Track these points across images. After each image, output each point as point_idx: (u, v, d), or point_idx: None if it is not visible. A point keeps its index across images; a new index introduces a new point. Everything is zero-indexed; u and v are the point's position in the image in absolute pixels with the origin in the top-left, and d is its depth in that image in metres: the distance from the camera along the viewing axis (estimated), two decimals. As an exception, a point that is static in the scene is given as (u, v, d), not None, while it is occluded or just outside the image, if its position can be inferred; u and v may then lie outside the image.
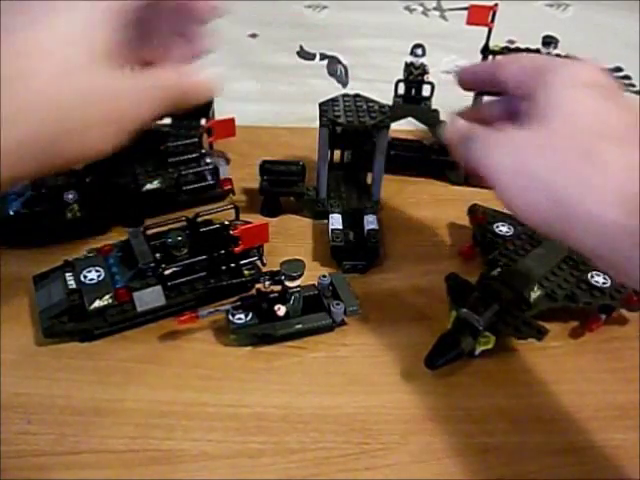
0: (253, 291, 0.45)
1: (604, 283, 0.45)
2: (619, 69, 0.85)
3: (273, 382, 0.41)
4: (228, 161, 0.59)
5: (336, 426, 0.39)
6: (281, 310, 0.43)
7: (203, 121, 0.62)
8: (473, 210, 0.55)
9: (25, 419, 0.38)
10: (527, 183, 0.31)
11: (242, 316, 0.43)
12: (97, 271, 0.45)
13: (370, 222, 0.51)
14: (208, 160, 0.55)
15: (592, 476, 0.37)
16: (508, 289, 0.43)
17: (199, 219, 0.46)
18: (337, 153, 0.56)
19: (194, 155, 0.55)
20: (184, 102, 0.38)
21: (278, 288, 0.43)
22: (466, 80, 0.41)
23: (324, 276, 0.45)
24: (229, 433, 0.38)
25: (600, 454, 0.38)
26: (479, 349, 0.42)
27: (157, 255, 0.45)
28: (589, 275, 0.46)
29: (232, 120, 0.54)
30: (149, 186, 0.52)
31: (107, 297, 0.43)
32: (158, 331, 0.44)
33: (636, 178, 0.28)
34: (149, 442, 0.37)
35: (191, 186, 0.54)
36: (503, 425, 0.39)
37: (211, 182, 0.55)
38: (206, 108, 0.61)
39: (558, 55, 0.58)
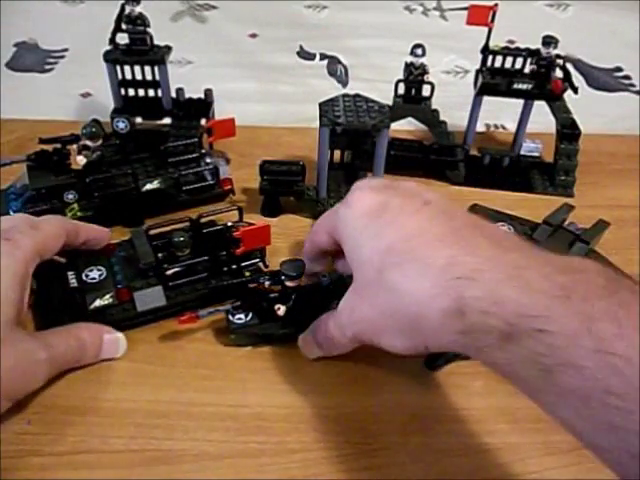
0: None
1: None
2: (619, 69, 0.85)
3: (273, 382, 0.41)
4: (228, 161, 0.59)
5: (336, 426, 0.39)
6: (281, 310, 0.43)
7: (203, 121, 0.62)
8: (473, 210, 0.55)
9: (25, 419, 0.38)
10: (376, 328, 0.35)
11: (242, 316, 0.43)
12: (99, 270, 0.45)
13: (370, 222, 0.51)
14: (208, 160, 0.55)
15: (592, 476, 0.37)
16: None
17: (202, 220, 0.46)
18: (337, 153, 0.56)
19: (194, 155, 0.55)
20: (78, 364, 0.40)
21: (278, 288, 0.43)
22: (312, 260, 0.44)
23: (324, 276, 0.45)
24: (229, 433, 0.38)
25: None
26: (479, 349, 0.42)
27: (159, 255, 0.45)
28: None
29: (232, 120, 0.54)
30: (149, 186, 0.52)
31: (108, 297, 0.43)
32: (158, 331, 0.44)
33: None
34: (149, 442, 0.37)
35: (191, 186, 0.54)
36: (503, 425, 0.39)
37: (211, 182, 0.54)
38: (206, 108, 0.62)
39: (558, 56, 0.58)
